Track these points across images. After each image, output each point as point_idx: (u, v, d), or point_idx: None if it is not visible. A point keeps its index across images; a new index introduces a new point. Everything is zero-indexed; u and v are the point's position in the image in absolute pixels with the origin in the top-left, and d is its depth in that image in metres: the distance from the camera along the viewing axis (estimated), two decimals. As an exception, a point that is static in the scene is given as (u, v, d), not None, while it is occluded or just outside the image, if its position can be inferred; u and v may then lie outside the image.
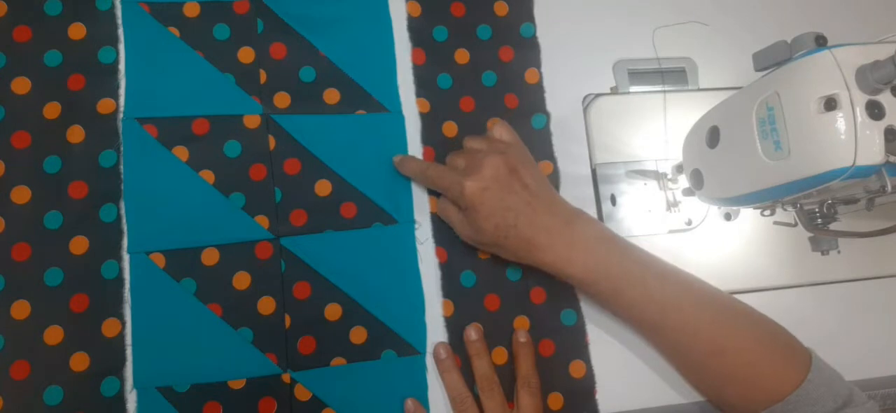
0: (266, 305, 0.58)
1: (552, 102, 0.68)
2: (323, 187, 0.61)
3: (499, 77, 0.67)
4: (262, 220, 0.60)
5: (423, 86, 0.66)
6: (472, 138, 0.61)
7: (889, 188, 0.48)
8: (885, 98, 0.48)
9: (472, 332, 0.61)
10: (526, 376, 0.59)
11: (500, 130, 0.61)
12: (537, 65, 0.69)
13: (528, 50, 0.69)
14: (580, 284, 0.59)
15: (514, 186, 0.57)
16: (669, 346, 0.60)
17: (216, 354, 0.57)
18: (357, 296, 0.60)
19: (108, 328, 0.56)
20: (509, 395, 0.60)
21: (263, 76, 0.62)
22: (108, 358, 0.56)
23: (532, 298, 0.63)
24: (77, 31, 0.60)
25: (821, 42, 0.50)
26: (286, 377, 0.58)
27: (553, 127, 0.67)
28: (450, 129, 0.65)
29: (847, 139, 0.47)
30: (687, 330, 0.57)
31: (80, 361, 0.55)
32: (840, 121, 0.47)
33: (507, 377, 0.61)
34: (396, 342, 0.60)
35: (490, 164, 0.57)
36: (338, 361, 0.59)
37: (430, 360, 0.61)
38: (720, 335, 0.56)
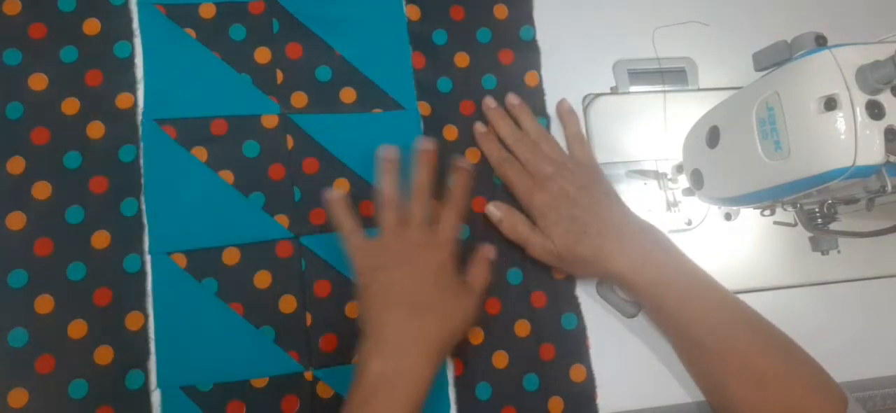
0: (287, 304, 0.59)
1: (552, 105, 0.67)
2: (341, 186, 0.61)
3: (499, 80, 0.67)
4: (282, 220, 0.60)
5: (424, 89, 0.66)
6: (550, 143, 0.64)
7: (889, 188, 0.49)
8: (885, 98, 0.48)
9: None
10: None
11: (580, 152, 0.65)
12: (537, 67, 0.68)
13: (528, 53, 0.68)
14: (643, 295, 0.59)
15: (581, 202, 0.59)
16: (709, 367, 0.58)
17: (239, 353, 0.57)
18: (376, 294, 0.60)
19: (132, 321, 0.56)
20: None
21: (280, 76, 0.62)
22: (132, 351, 0.56)
23: (533, 302, 0.63)
24: (91, 26, 0.60)
25: (821, 42, 0.50)
26: (308, 375, 0.58)
27: (553, 129, 0.67)
28: (450, 132, 0.65)
29: (847, 139, 0.48)
30: (736, 357, 0.55)
31: (104, 355, 0.55)
32: (840, 121, 0.48)
33: (506, 377, 0.61)
34: None
35: (558, 180, 0.60)
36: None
37: (449, 359, 0.60)
38: (767, 367, 0.54)
